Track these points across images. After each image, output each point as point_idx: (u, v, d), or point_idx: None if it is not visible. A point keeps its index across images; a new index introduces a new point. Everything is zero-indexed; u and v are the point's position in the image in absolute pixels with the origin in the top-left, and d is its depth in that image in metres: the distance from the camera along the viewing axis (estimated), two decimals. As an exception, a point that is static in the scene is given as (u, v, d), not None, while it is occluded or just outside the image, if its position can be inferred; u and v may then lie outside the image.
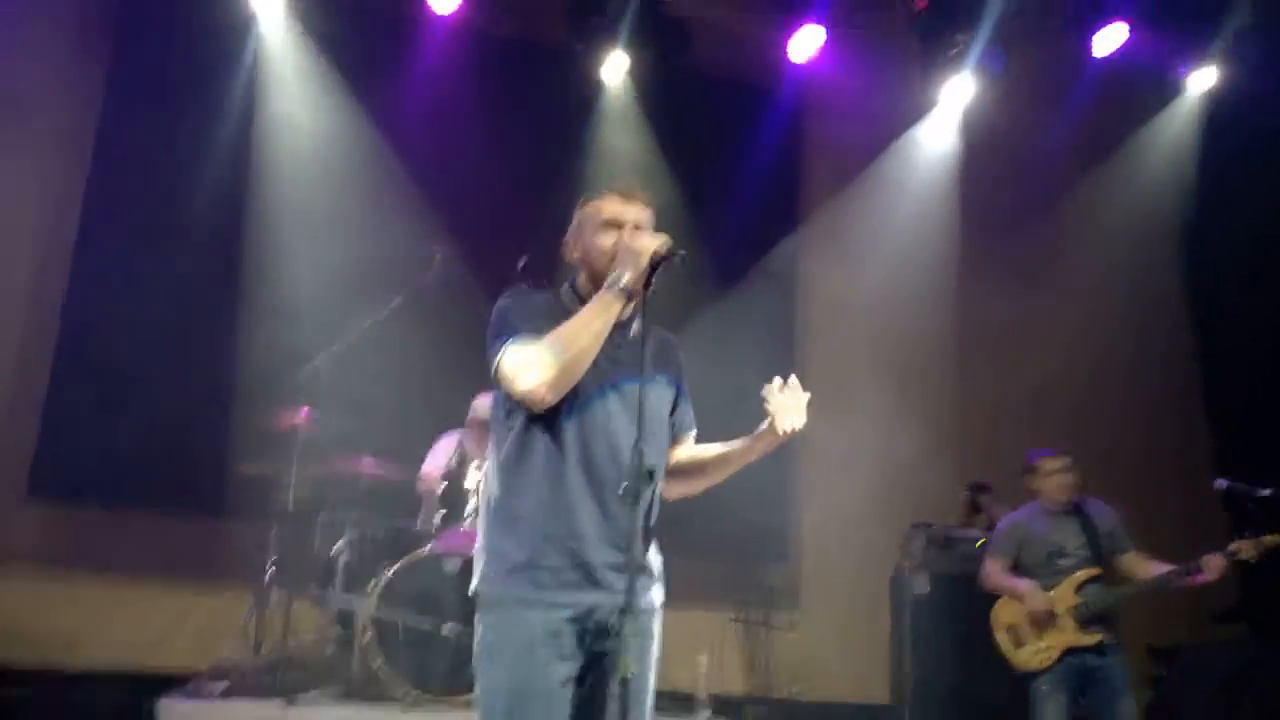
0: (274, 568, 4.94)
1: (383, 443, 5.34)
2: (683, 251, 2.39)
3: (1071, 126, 7.08)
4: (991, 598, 4.99)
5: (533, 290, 2.61)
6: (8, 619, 5.38)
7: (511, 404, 2.46)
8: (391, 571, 4.60)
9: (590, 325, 2.38)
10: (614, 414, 2.44)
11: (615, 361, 2.47)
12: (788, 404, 2.47)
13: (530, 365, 2.36)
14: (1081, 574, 4.72)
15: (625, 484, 2.22)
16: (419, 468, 5.49)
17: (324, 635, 5.01)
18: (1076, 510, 4.91)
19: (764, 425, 2.49)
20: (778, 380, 2.50)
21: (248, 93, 6.11)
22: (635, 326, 2.53)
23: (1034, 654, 4.72)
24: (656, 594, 2.51)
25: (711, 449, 2.66)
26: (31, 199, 5.75)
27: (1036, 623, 4.72)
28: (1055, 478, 4.92)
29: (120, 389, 5.38)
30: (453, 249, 5.77)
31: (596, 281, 2.48)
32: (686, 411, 2.71)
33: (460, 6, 6.26)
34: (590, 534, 2.37)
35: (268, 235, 5.94)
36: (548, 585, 2.35)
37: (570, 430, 2.41)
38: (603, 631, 2.35)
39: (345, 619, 4.83)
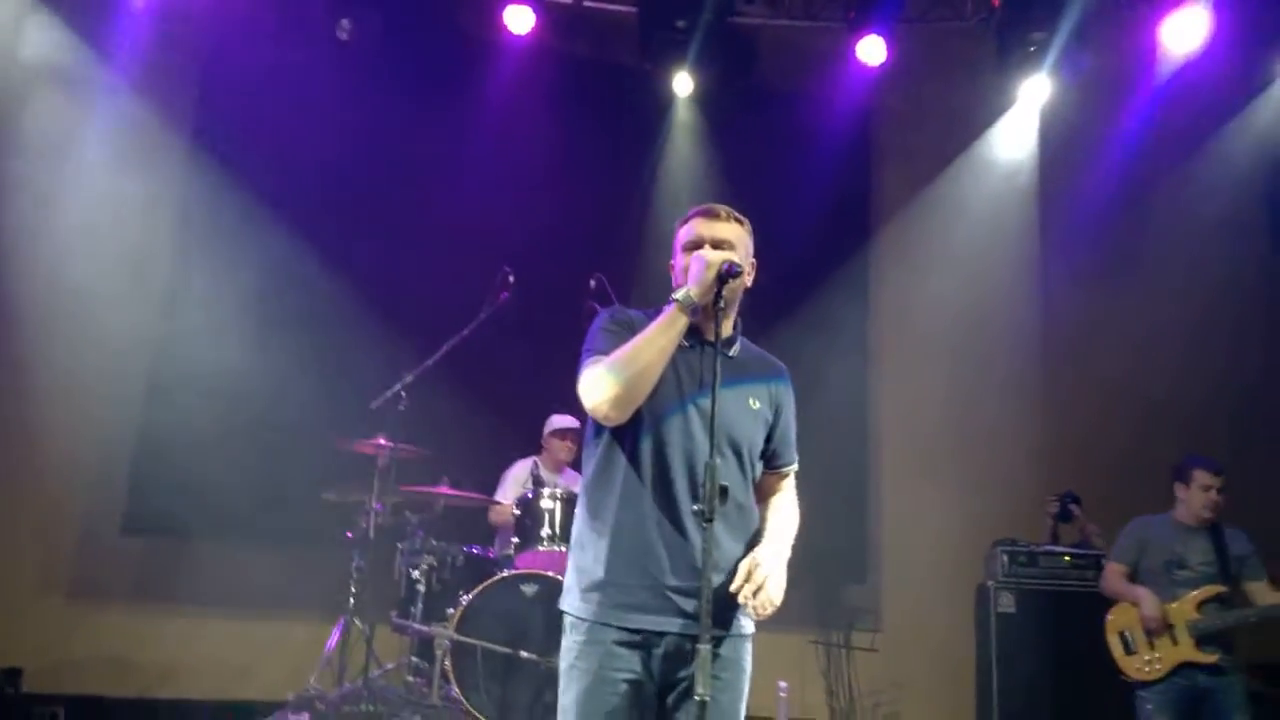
0: (356, 596, 4.98)
1: (459, 468, 5.39)
2: (740, 268, 2.42)
3: (1154, 120, 6.83)
4: (1082, 614, 4.96)
5: (627, 308, 2.64)
6: (107, 651, 5.61)
7: (596, 423, 2.48)
8: (470, 597, 4.61)
9: (654, 342, 2.38)
10: (693, 431, 2.41)
11: (699, 380, 2.45)
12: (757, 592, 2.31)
13: (596, 383, 2.39)
14: (1205, 590, 4.58)
15: (696, 506, 2.20)
16: (494, 493, 5.53)
17: (405, 664, 5.05)
18: (1210, 528, 4.73)
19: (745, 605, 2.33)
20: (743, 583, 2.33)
21: (326, 121, 6.14)
22: (736, 348, 2.55)
23: (1144, 664, 4.62)
24: (744, 620, 2.45)
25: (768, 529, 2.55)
26: (120, 260, 5.93)
27: (1149, 632, 4.60)
28: (1208, 494, 4.71)
29: (203, 426, 5.52)
30: (526, 270, 5.80)
31: None
32: (784, 444, 2.64)
33: (534, 28, 6.29)
34: (664, 554, 2.35)
35: (341, 263, 6.02)
36: (621, 605, 2.35)
37: (648, 447, 2.41)
38: (679, 656, 2.32)
39: (425, 647, 4.86)
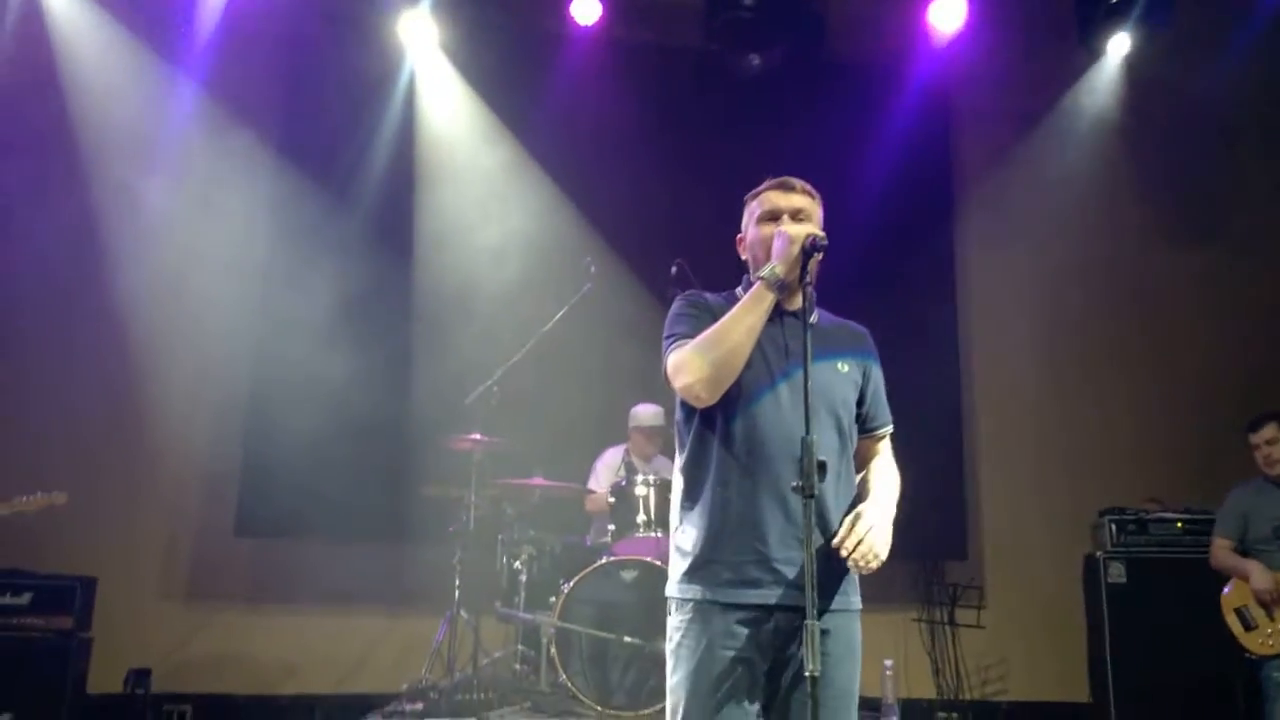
0: (460, 588, 5.09)
1: (553, 458, 5.47)
2: (824, 241, 2.38)
3: (1248, 68, 6.52)
4: (1197, 582, 4.83)
5: (703, 291, 2.62)
6: (227, 649, 5.84)
7: (688, 405, 2.47)
8: (570, 585, 4.68)
9: (742, 320, 2.37)
10: (784, 405, 2.38)
11: (786, 352, 2.43)
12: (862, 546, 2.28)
13: (686, 364, 2.38)
14: None
15: (796, 481, 2.16)
16: (586, 481, 5.59)
17: (512, 652, 5.15)
18: None
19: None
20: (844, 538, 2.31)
21: (405, 127, 6.34)
22: (815, 316, 2.50)
23: (1266, 638, 4.49)
24: (853, 595, 2.43)
25: (869, 488, 2.53)
26: (220, 272, 6.13)
27: (1264, 604, 4.49)
28: (1261, 450, 4.69)
29: (305, 429, 5.63)
30: (608, 259, 5.86)
31: None
32: (877, 405, 2.61)
33: (600, 18, 6.32)
34: (771, 530, 2.32)
35: (431, 265, 6.16)
36: (727, 583, 2.33)
37: (741, 424, 2.38)
38: (789, 632, 2.29)
39: (530, 635, 4.95)
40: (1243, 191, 6.83)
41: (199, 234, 6.11)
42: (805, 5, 6.62)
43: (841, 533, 2.31)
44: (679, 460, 2.53)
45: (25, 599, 4.92)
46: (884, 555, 2.30)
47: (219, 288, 6.13)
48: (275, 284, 6.06)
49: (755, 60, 6.59)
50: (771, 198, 2.56)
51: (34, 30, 6.01)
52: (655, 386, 2.60)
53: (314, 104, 6.29)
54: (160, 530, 5.94)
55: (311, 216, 6.04)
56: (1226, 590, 4.68)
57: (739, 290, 2.60)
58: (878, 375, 2.61)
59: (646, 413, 5.55)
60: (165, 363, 5.97)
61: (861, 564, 2.28)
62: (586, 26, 6.39)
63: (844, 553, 2.27)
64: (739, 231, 2.66)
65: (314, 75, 6.33)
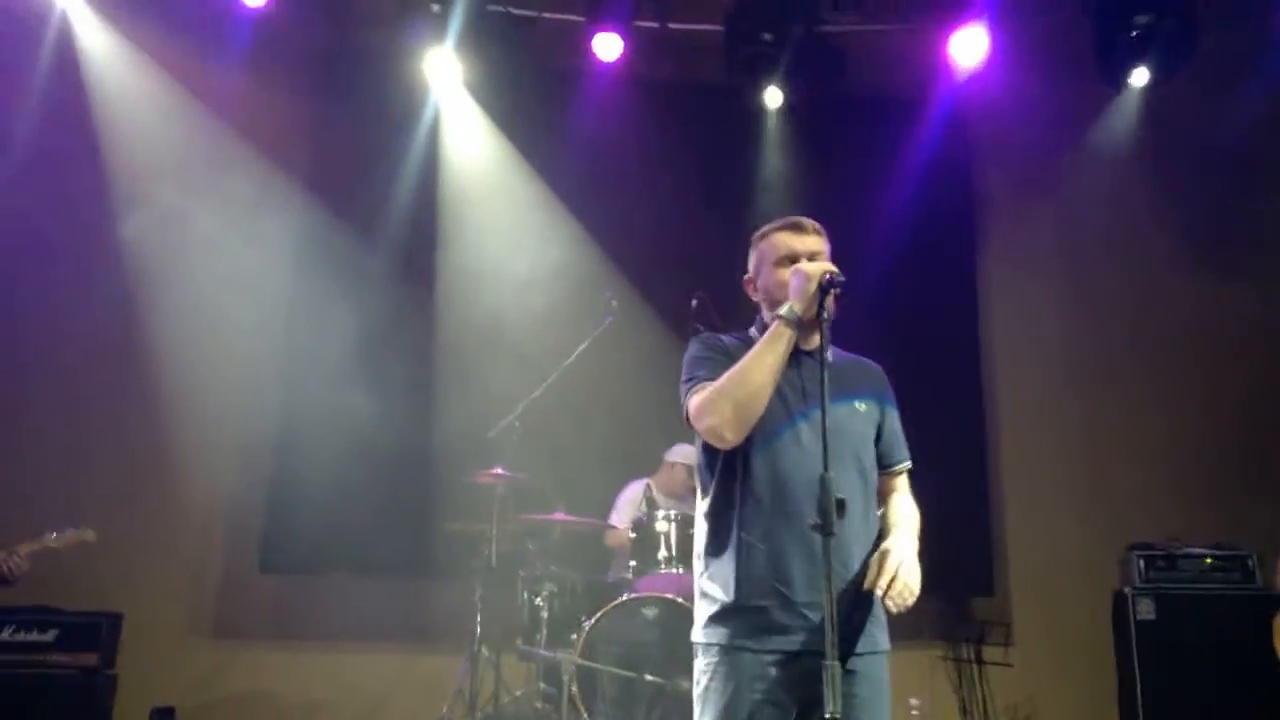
0: (481, 625, 5.06)
1: (575, 493, 5.46)
2: (844, 279, 2.37)
3: (1270, 100, 6.46)
4: (1228, 618, 4.95)
5: (718, 333, 2.65)
6: (253, 687, 5.82)
7: (711, 449, 2.48)
8: (591, 622, 4.65)
9: (763, 359, 2.38)
10: (806, 446, 2.39)
11: (804, 393, 2.44)
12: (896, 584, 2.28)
13: (710, 406, 2.39)
14: None
15: (812, 521, 2.16)
16: (607, 517, 5.56)
17: (534, 691, 5.11)
18: None
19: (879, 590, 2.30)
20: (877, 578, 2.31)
21: (429, 163, 6.42)
22: (830, 355, 2.48)
23: None
24: (880, 635, 2.42)
25: (890, 524, 2.52)
26: (248, 302, 6.20)
27: None
28: None
29: (332, 464, 5.68)
30: (629, 293, 5.88)
31: None
32: (894, 442, 2.61)
33: (622, 54, 6.38)
34: (796, 574, 2.33)
35: (455, 300, 6.20)
36: (755, 628, 2.33)
37: (763, 466, 2.40)
38: (816, 673, 2.23)
39: (552, 673, 4.91)
40: (1267, 223, 6.76)
41: (228, 267, 6.14)
42: (826, 39, 6.65)
43: (872, 573, 2.29)
44: (703, 504, 2.54)
45: (51, 636, 4.95)
46: (918, 591, 2.29)
47: (245, 322, 6.18)
48: (300, 320, 6.12)
49: (776, 94, 6.62)
50: (786, 240, 2.58)
51: (67, 63, 6.10)
52: (677, 421, 2.60)
53: (339, 140, 6.39)
54: (186, 565, 5.96)
55: (336, 251, 6.09)
56: (1277, 616, 4.67)
57: (753, 331, 2.61)
58: (894, 412, 2.63)
59: (683, 451, 5.52)
60: (192, 398, 5.99)
61: (899, 601, 2.26)
62: (608, 63, 6.44)
63: (879, 592, 2.25)
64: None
65: (339, 111, 6.42)
